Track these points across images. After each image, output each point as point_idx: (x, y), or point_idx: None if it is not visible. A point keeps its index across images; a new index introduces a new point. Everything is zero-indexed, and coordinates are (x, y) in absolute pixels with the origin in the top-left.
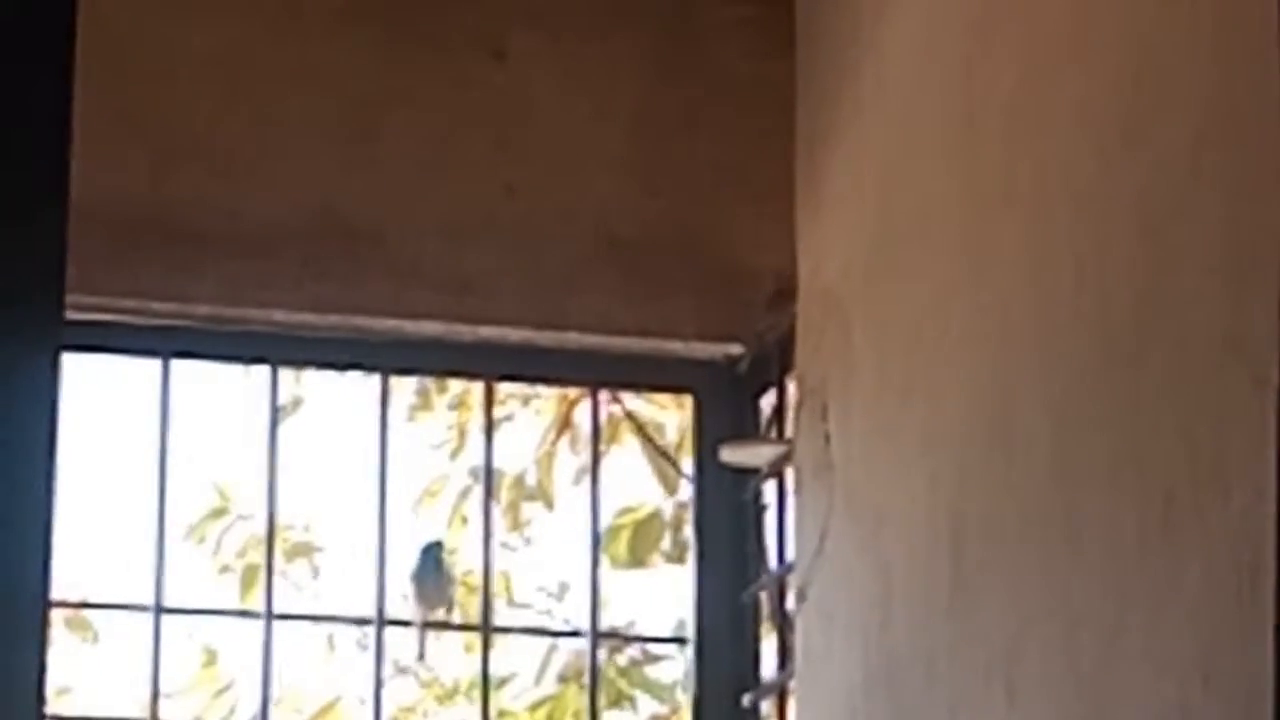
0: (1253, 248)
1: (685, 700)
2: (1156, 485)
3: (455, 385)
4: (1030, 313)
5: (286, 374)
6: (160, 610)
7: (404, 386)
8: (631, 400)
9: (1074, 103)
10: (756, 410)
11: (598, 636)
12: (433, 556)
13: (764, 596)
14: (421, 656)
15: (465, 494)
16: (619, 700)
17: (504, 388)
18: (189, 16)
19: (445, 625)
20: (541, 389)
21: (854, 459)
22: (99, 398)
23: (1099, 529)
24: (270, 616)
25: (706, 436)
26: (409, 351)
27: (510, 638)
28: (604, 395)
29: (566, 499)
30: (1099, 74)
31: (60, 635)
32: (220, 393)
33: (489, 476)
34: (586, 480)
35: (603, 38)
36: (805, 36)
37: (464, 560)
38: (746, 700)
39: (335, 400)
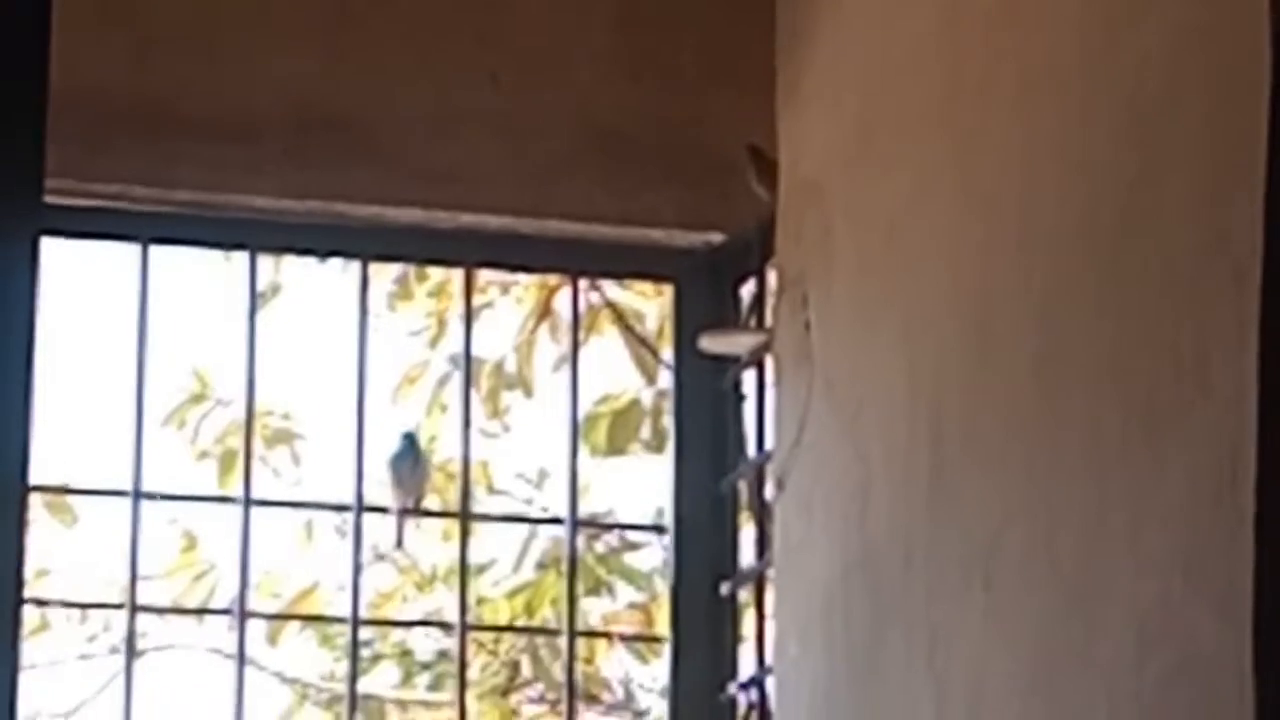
0: (1237, 147)
1: (663, 588)
2: (1139, 381)
3: (435, 273)
4: (1013, 202)
5: (266, 260)
6: (139, 495)
7: (383, 274)
8: (612, 289)
9: None
10: (736, 299)
11: (576, 524)
12: (409, 445)
13: (742, 485)
14: (400, 543)
15: (444, 382)
16: (597, 588)
17: (484, 275)
18: None
19: (424, 512)
20: (521, 277)
21: (834, 348)
22: (78, 283)
23: (1080, 421)
24: (249, 502)
25: (686, 325)
26: (389, 238)
27: (489, 525)
28: (584, 283)
29: (546, 387)
30: None
31: (40, 518)
32: (200, 278)
33: (468, 364)
34: (566, 368)
35: None
36: None
37: (443, 448)
38: (724, 588)
39: (314, 287)
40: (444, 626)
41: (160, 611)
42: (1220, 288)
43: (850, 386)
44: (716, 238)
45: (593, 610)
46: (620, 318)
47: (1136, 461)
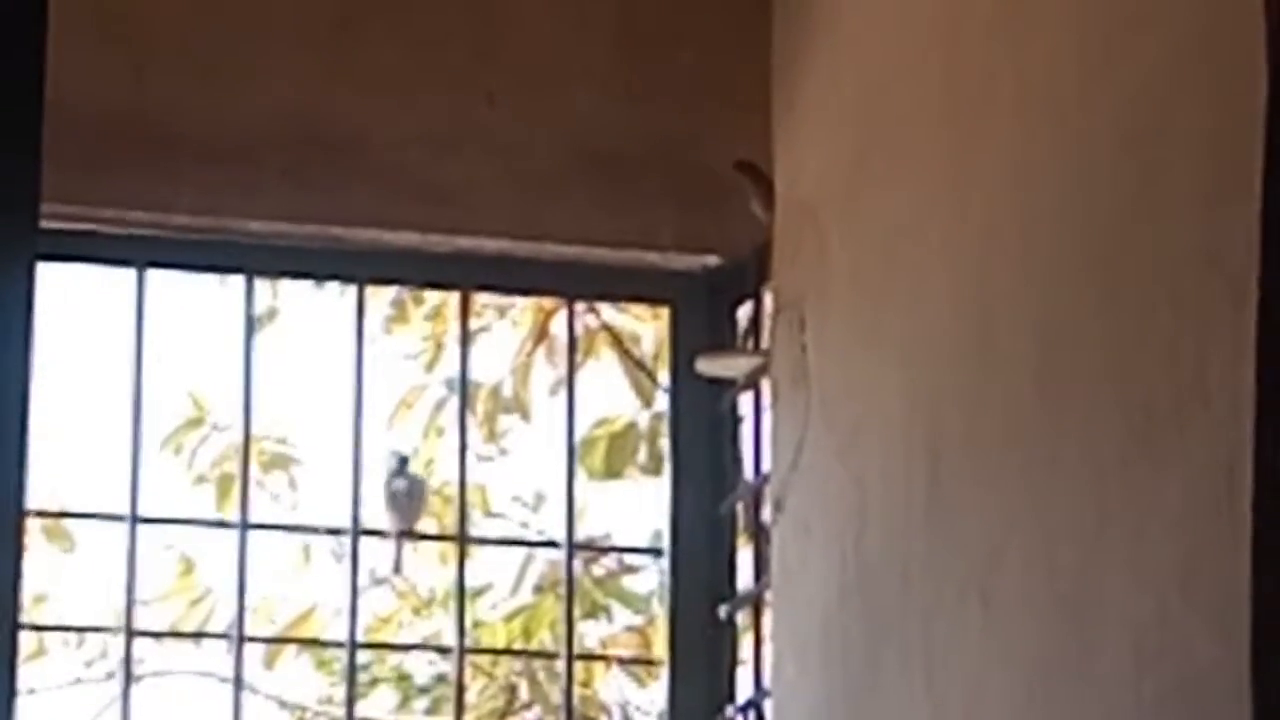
0: (1233, 160)
1: (661, 611)
2: (1136, 397)
3: (432, 297)
4: (1011, 223)
5: (262, 284)
6: (136, 520)
7: (380, 298)
8: (608, 311)
9: (1056, 13)
10: (733, 321)
11: (574, 547)
12: (403, 469)
13: (740, 508)
14: (397, 568)
15: (441, 405)
16: (595, 611)
17: (481, 298)
18: None
19: (421, 536)
20: (518, 300)
21: (831, 370)
22: (75, 307)
23: (1078, 440)
24: (246, 526)
25: (683, 348)
26: (386, 261)
27: (486, 548)
28: (581, 306)
29: (543, 410)
30: None
31: (38, 544)
32: (196, 303)
33: (465, 387)
34: (563, 391)
35: None
36: None
37: (440, 471)
38: (722, 611)
39: (311, 311)
40: (441, 650)
41: (157, 636)
42: (1217, 301)
43: (847, 408)
44: (713, 260)
45: (590, 633)
46: (617, 341)
47: (1134, 477)
